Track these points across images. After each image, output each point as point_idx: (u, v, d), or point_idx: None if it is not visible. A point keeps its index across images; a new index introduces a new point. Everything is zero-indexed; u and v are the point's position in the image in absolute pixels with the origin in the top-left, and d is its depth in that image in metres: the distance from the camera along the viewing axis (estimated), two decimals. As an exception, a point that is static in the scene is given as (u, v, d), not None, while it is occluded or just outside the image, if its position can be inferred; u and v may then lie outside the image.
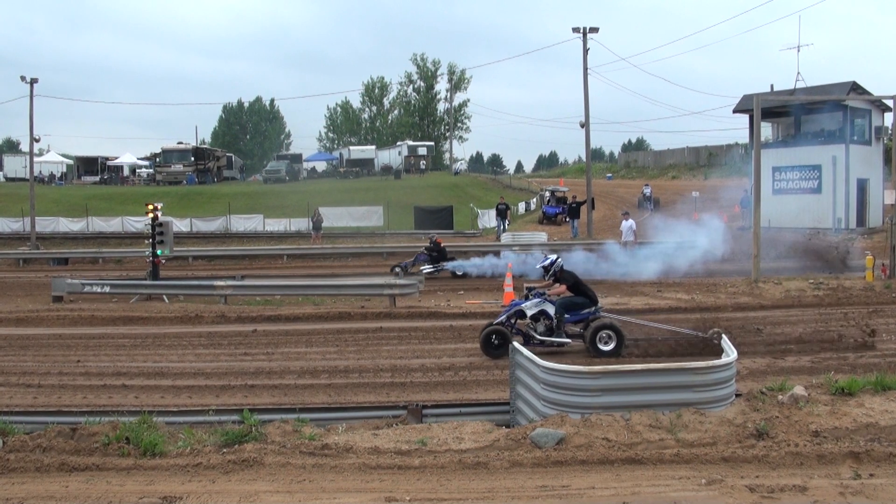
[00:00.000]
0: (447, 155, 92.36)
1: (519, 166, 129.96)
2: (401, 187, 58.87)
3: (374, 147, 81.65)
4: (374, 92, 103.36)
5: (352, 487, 7.61)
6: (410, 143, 78.88)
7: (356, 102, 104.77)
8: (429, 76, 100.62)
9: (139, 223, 41.92)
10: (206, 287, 22.69)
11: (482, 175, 78.88)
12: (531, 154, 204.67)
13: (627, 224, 29.65)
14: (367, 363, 14.26)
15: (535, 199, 53.67)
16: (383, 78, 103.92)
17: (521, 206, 51.73)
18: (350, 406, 10.78)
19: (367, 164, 74.59)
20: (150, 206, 23.87)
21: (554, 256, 15.72)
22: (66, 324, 19.48)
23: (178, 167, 66.02)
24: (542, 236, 35.50)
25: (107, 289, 23.01)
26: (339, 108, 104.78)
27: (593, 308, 14.86)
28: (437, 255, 26.98)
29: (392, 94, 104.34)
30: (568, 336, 14.68)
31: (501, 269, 24.57)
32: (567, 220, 41.87)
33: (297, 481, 7.80)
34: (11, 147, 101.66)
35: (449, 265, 26.52)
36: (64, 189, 64.58)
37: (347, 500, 7.31)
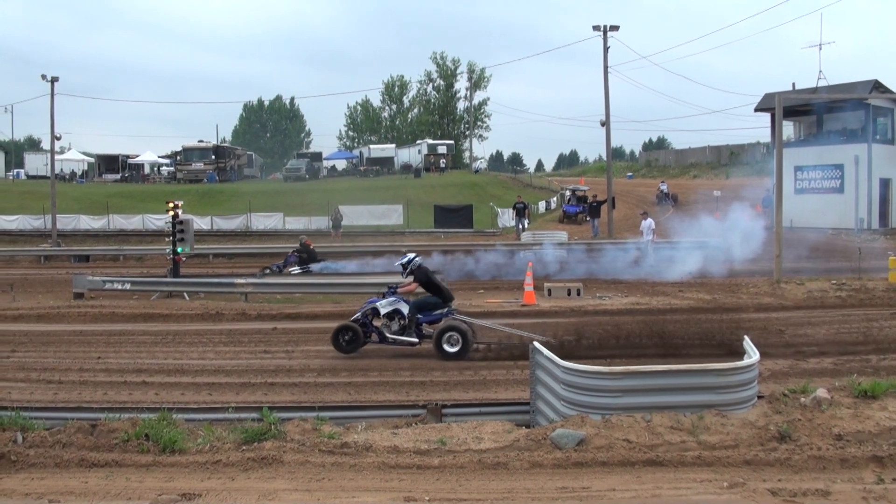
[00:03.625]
0: (467, 153, 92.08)
1: (539, 165, 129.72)
2: (420, 186, 58.85)
3: (393, 145, 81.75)
4: (394, 90, 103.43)
5: (371, 486, 7.59)
6: (430, 141, 78.66)
7: (376, 101, 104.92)
8: (448, 75, 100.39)
9: (160, 221, 42.13)
10: (226, 285, 22.80)
11: (502, 174, 78.73)
12: (551, 153, 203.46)
13: (647, 223, 29.56)
14: (386, 362, 14.25)
15: (555, 198, 53.57)
16: (403, 76, 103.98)
17: (542, 205, 51.58)
18: (369, 405, 10.76)
19: (386, 162, 74.70)
20: (171, 204, 23.97)
21: (412, 255, 15.66)
22: (87, 320, 19.60)
23: (199, 165, 66.30)
24: (562, 235, 35.42)
25: (127, 286, 23.15)
26: (359, 107, 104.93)
27: (446, 309, 14.83)
28: (306, 256, 27.09)
29: (412, 93, 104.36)
30: (421, 336, 14.66)
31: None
32: (587, 219, 41.87)
33: (317, 480, 7.79)
34: (33, 145, 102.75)
35: (316, 267, 26.56)
36: (85, 187, 65.13)
37: (366, 498, 7.30)
